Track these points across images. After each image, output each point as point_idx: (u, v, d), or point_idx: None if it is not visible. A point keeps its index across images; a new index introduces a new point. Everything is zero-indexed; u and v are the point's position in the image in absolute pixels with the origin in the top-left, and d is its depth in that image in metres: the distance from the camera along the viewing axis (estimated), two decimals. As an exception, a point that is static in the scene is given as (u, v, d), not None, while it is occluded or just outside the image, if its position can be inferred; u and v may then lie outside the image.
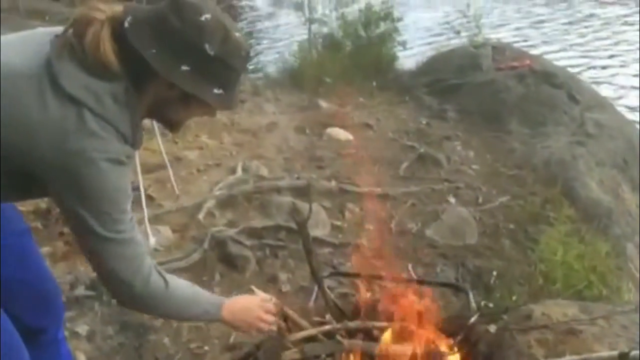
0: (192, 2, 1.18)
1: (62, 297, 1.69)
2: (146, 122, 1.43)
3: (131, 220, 1.24)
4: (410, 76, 6.83)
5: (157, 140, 1.57)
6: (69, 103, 1.12)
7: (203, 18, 1.16)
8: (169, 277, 1.32)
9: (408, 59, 8.13)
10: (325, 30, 9.13)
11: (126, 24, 1.17)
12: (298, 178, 4.00)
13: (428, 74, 6.55)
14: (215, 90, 1.21)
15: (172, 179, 1.64)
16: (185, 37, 1.16)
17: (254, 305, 1.51)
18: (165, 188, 3.55)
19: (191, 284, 1.41)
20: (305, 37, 10.01)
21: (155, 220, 3.13)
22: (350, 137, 5.03)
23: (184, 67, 1.16)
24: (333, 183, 3.94)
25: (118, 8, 1.21)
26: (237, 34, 1.22)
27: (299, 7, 10.10)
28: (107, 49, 1.14)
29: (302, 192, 3.69)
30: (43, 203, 2.90)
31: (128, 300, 1.29)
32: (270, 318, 1.54)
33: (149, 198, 3.45)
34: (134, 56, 1.16)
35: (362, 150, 4.64)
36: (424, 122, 5.46)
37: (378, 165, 4.38)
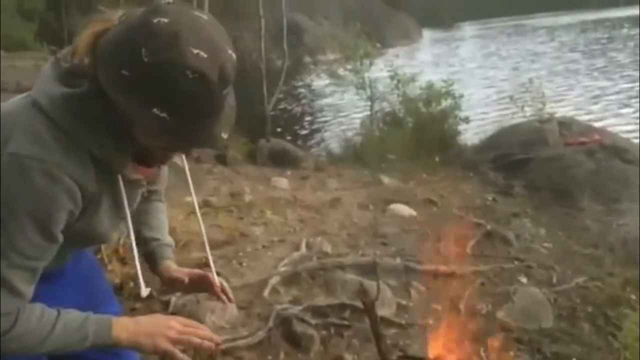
0: (163, 6, 0.99)
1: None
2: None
3: (29, 278, 1.04)
4: (474, 151, 6.79)
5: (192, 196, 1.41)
6: (30, 106, 1.05)
7: (156, 20, 0.96)
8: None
9: (471, 134, 8.13)
10: (386, 107, 9.31)
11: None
12: (362, 255, 3.96)
13: (492, 149, 6.49)
14: (156, 111, 0.97)
15: (208, 250, 1.46)
16: (127, 35, 0.98)
17: (162, 321, 1.21)
18: (231, 264, 3.59)
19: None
20: (365, 114, 10.24)
21: (221, 296, 3.15)
22: (414, 213, 4.98)
23: (124, 72, 0.96)
24: (398, 260, 3.87)
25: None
26: (194, 50, 0.95)
27: (360, 86, 10.39)
28: (83, 51, 1.04)
29: (367, 269, 3.64)
30: (117, 278, 2.98)
31: None
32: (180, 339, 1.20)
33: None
34: None
35: (427, 227, 4.57)
36: (490, 198, 5.36)
37: (443, 242, 4.28)
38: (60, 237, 1.07)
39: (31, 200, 1.00)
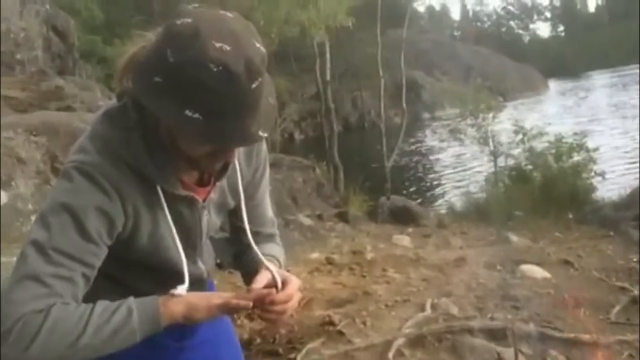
0: (186, 9, 1.03)
1: None
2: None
3: (65, 278, 1.03)
4: (613, 208, 6.28)
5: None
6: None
7: (179, 22, 1.00)
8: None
9: (607, 189, 7.56)
10: (511, 162, 8.97)
11: None
12: (491, 319, 3.73)
13: (634, 206, 5.96)
14: (188, 113, 0.98)
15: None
16: (156, 42, 1.02)
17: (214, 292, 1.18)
18: (354, 323, 3.54)
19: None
20: (487, 168, 9.93)
21: (345, 357, 3.10)
22: (548, 275, 4.65)
23: (157, 79, 0.99)
24: (531, 326, 3.60)
25: None
26: (216, 44, 0.96)
27: (482, 141, 10.14)
28: (122, 73, 1.10)
29: (497, 334, 3.42)
30: (245, 334, 3.06)
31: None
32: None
33: (339, 334, 3.46)
34: None
35: (563, 291, 4.23)
36: (634, 259, 4.87)
37: (583, 308, 3.93)
38: (98, 240, 1.06)
39: (68, 194, 1.06)
